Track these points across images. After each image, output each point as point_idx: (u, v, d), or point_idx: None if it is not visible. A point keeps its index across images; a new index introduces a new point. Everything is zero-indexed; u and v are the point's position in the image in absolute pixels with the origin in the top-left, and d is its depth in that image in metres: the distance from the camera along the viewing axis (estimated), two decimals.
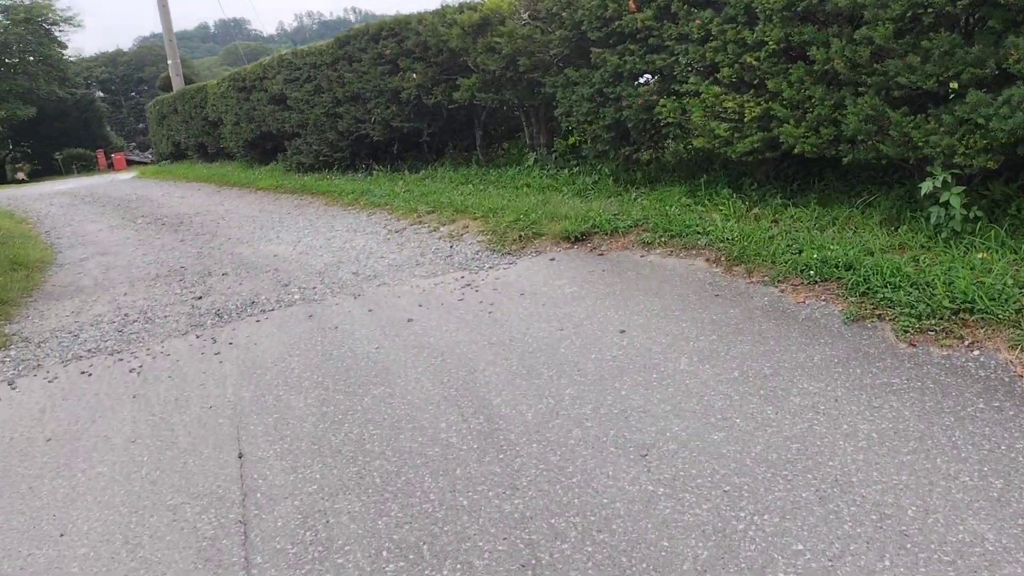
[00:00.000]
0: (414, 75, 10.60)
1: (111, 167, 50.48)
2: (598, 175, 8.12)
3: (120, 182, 22.74)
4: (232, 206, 12.87)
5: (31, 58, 52.19)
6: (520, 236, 6.52)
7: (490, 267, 6.03)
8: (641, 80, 7.06)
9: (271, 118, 14.81)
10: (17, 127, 52.37)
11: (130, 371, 4.77)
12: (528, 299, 5.15)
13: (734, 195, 6.36)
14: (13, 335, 5.95)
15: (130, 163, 48.35)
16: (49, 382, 4.76)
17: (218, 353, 4.90)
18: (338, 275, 6.49)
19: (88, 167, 52.05)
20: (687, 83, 6.36)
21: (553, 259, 5.99)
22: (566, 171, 8.61)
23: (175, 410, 4.12)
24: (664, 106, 6.57)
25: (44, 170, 55.66)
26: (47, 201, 18.16)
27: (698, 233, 5.69)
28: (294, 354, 4.71)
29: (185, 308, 6.15)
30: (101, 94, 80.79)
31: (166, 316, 5.95)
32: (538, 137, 9.92)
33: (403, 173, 11.35)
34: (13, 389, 4.72)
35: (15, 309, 6.93)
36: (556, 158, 9.23)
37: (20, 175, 55.98)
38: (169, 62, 27.28)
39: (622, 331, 4.39)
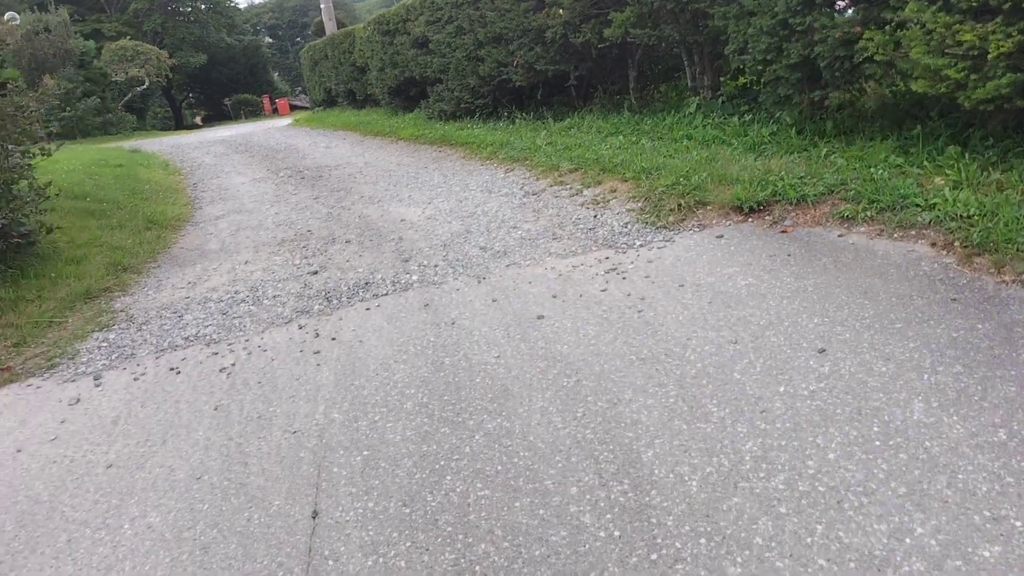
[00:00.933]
0: (560, 11, 9.47)
1: (275, 112, 52.45)
2: (776, 124, 6.77)
3: (276, 130, 23.04)
4: (371, 158, 12.34)
5: (202, 6, 54.59)
6: (679, 205, 5.39)
7: (641, 245, 4.97)
8: (839, 5, 5.65)
9: (414, 63, 14.13)
10: (191, 74, 55.25)
11: (220, 370, 4.14)
12: (689, 293, 4.08)
13: (964, 153, 4.93)
14: (120, 312, 5.53)
15: (293, 108, 49.96)
16: (135, 379, 4.21)
17: (317, 352, 4.17)
18: (464, 249, 5.63)
19: (255, 112, 54.33)
20: (903, 9, 4.92)
21: (721, 236, 4.85)
22: (735, 119, 7.29)
23: (255, 432, 3.41)
24: (871, 40, 5.17)
25: (215, 116, 58.75)
26: (204, 150, 18.51)
27: (917, 206, 4.36)
28: (400, 359, 3.90)
29: (297, 286, 5.51)
30: (269, 39, 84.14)
31: (275, 296, 5.33)
32: (701, 78, 8.59)
33: (547, 121, 10.34)
34: (97, 386, 4.21)
35: (135, 278, 6.58)
36: (723, 103, 7.90)
37: (198, 119, 59.38)
38: (322, 5, 27.26)
39: (821, 350, 3.26)
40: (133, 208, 9.52)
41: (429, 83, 13.97)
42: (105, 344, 4.85)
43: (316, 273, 5.76)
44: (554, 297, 4.36)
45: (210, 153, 17.58)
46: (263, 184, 11.49)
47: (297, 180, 11.32)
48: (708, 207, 5.29)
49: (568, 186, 6.83)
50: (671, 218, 5.28)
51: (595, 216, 5.73)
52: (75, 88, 32.26)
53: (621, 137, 7.99)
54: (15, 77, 23.28)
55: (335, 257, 6.19)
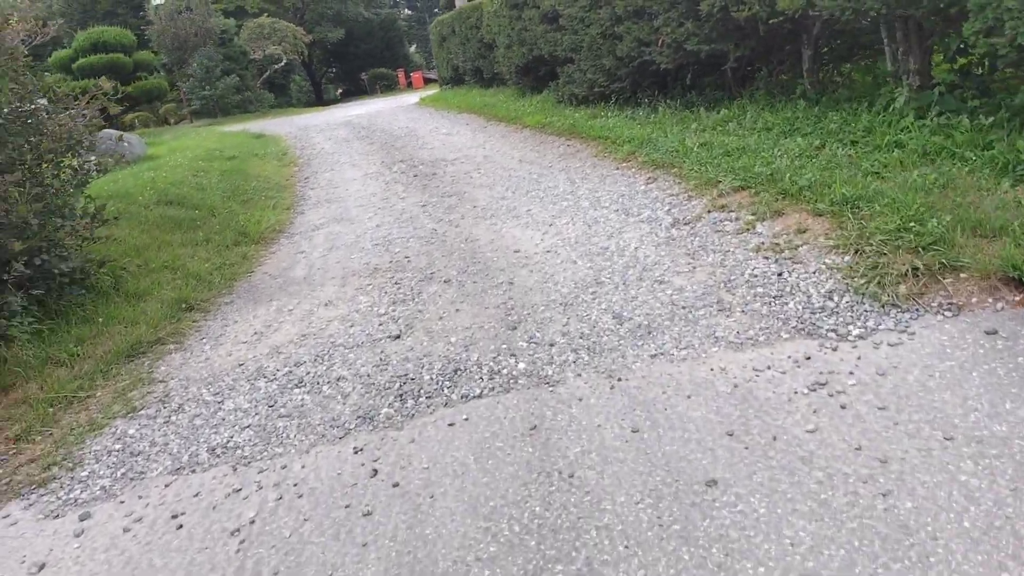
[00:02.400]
0: None
1: (410, 86, 52.28)
2: None
3: (401, 110, 22.13)
4: (492, 150, 10.97)
5: None
6: (914, 269, 3.64)
7: (860, 336, 3.31)
8: None
9: (543, 40, 12.59)
10: (329, 49, 55.86)
11: (232, 533, 2.86)
12: (969, 460, 2.43)
13: None
14: (159, 384, 4.40)
15: (427, 81, 49.55)
16: (124, 531, 3.01)
17: (368, 514, 2.80)
18: (591, 315, 4.12)
19: (390, 86, 54.41)
20: None
21: (994, 333, 3.11)
22: (964, 118, 5.36)
23: None
24: None
25: (352, 90, 59.34)
26: (328, 134, 17.76)
27: None
28: (488, 541, 2.48)
29: (371, 358, 4.19)
30: (408, 11, 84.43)
31: (339, 379, 4.01)
32: (905, 60, 6.61)
33: (697, 111, 8.59)
34: (77, 536, 3.03)
35: (198, 321, 5.49)
36: (941, 95, 5.93)
37: (339, 92, 60.22)
38: None
39: None
40: (227, 216, 8.56)
41: (559, 63, 12.41)
42: (119, 446, 3.70)
43: (399, 338, 4.42)
44: (729, 436, 2.80)
45: (332, 138, 16.77)
46: (374, 182, 10.36)
47: (409, 178, 10.10)
48: (961, 272, 3.53)
49: (733, 214, 5.14)
50: (902, 288, 3.54)
51: (780, 274, 4.06)
52: (215, 67, 32.66)
53: (799, 139, 6.18)
54: (151, 60, 23.49)
55: (427, 309, 4.83)
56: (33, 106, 5.61)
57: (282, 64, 39.42)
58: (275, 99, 42.86)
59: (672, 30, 8.28)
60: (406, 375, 3.83)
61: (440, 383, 3.70)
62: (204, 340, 5.10)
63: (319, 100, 53.80)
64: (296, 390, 3.94)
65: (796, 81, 8.19)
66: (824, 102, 7.31)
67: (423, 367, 3.89)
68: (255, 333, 5.08)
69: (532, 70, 14.61)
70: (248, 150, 14.22)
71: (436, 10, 79.81)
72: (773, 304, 3.73)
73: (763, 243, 4.45)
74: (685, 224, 5.22)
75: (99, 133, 14.41)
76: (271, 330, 5.09)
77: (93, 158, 6.32)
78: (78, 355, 4.77)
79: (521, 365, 3.68)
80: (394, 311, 4.94)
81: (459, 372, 3.74)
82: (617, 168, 7.64)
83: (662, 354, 3.50)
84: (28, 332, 4.71)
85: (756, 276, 4.06)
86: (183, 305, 5.73)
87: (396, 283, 5.61)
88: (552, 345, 3.84)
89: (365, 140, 15.48)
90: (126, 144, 13.62)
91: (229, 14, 42.71)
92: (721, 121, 7.83)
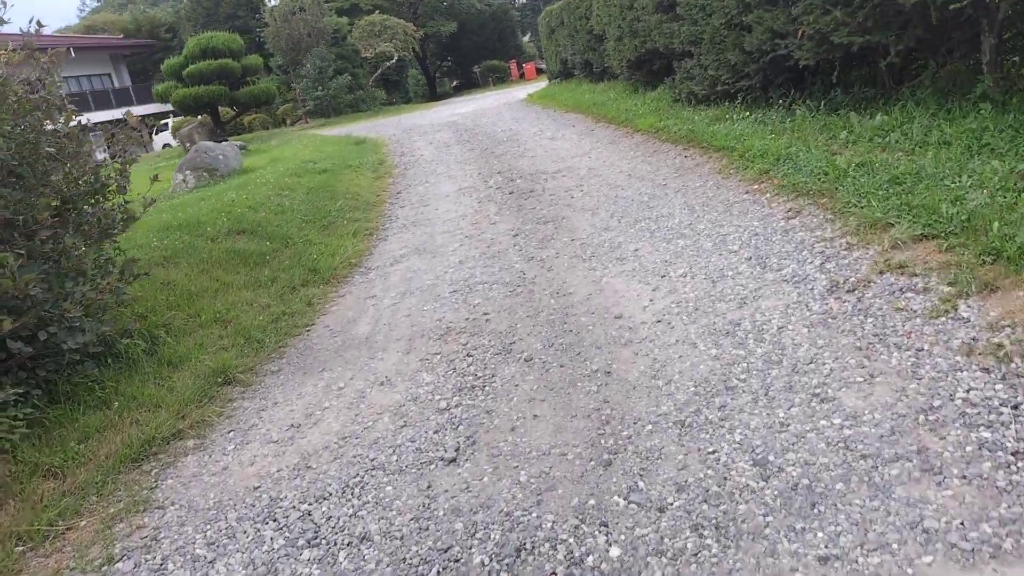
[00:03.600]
0: None
1: (522, 77, 51.41)
2: None
3: (507, 108, 21.08)
4: (598, 160, 9.71)
5: None
6: None
7: None
8: None
9: (657, 31, 11.19)
10: (443, 43, 55.61)
11: None
12: None
13: None
14: (156, 512, 3.45)
15: (539, 72, 48.49)
16: None
17: None
18: (720, 455, 2.85)
19: (502, 78, 53.71)
20: None
21: None
22: None
23: None
24: None
25: (465, 83, 59.01)
26: (430, 137, 16.93)
27: None
28: None
29: (412, 504, 3.08)
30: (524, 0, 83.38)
31: (363, 540, 2.92)
32: None
33: (845, 115, 7.05)
34: None
35: (232, 401, 4.57)
36: None
37: (453, 85, 60.03)
38: None
39: None
40: (301, 247, 7.71)
41: (676, 56, 10.98)
42: None
43: (454, 461, 3.30)
44: None
45: (433, 143, 15.91)
46: (467, 198, 9.32)
47: (505, 195, 9.00)
48: None
49: (918, 280, 3.70)
50: None
51: (1017, 406, 2.67)
52: (327, 67, 32.67)
53: (995, 162, 4.63)
54: (259, 64, 23.41)
55: (497, 407, 3.70)
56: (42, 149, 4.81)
57: (394, 61, 39.24)
58: (388, 96, 42.89)
59: (815, 19, 6.78)
60: (450, 551, 2.69)
61: (499, 562, 2.55)
62: (231, 434, 4.15)
63: (433, 94, 53.70)
64: (305, 553, 2.88)
65: (975, 77, 6.53)
66: (1017, 105, 5.68)
67: (475, 534, 2.74)
68: (291, 427, 4.09)
69: (645, 64, 13.21)
70: (343, 160, 13.50)
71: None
72: (1014, 467, 2.37)
73: (975, 340, 3.04)
74: (848, 291, 3.84)
75: (196, 145, 14.08)
76: (310, 422, 4.09)
77: (121, 200, 5.48)
78: (77, 458, 3.90)
79: (614, 552, 2.47)
80: (457, 407, 3.82)
81: (523, 553, 2.57)
82: (747, 192, 6.25)
83: (838, 558, 2.21)
84: (20, 430, 3.88)
85: (975, 405, 2.68)
86: (221, 378, 4.82)
87: (468, 355, 4.51)
88: (662, 511, 2.61)
89: (466, 145, 14.50)
90: (220, 157, 13.16)
91: (343, 12, 42.98)
92: (878, 130, 6.29)
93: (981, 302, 3.25)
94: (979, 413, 2.64)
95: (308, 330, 5.69)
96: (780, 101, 8.41)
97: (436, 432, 3.61)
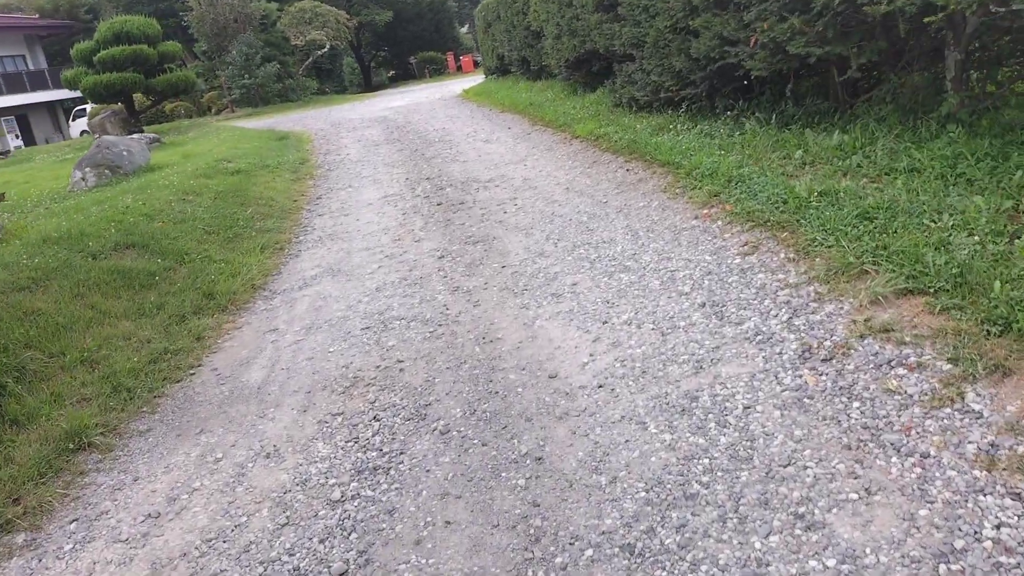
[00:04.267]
0: None
1: (459, 69, 50.55)
2: None
3: (442, 104, 20.24)
4: (534, 169, 9.03)
5: None
6: None
7: None
8: None
9: (597, 31, 10.55)
10: (378, 33, 54.24)
11: None
12: None
13: None
14: None
15: (476, 65, 47.69)
16: None
17: None
18: None
19: (439, 70, 52.77)
20: None
21: None
22: None
23: None
24: None
25: (401, 74, 57.74)
26: (359, 134, 16.01)
27: None
28: None
29: None
30: None
31: None
32: None
33: (799, 131, 6.53)
34: None
35: (76, 479, 3.73)
36: None
37: (389, 75, 58.61)
38: None
39: None
40: (199, 265, 6.82)
41: (617, 59, 10.37)
42: None
43: None
44: None
45: (361, 140, 15.02)
46: (392, 208, 8.54)
47: (432, 206, 8.25)
48: None
49: (909, 351, 3.06)
50: None
51: None
52: (255, 54, 31.25)
53: (977, 198, 4.10)
54: (177, 51, 22.05)
55: (402, 505, 2.98)
56: None
57: (325, 50, 37.92)
58: (321, 85, 41.46)
59: (770, 26, 6.21)
60: None
61: None
62: (72, 526, 3.33)
63: (367, 85, 52.34)
64: None
65: (939, 94, 6.05)
66: (989, 128, 5.20)
67: None
68: (148, 517, 3.30)
69: (584, 65, 12.59)
70: (261, 159, 12.52)
71: None
72: None
73: (994, 447, 2.42)
74: (824, 360, 3.22)
75: (98, 140, 12.90)
76: (172, 511, 3.30)
77: None
78: None
79: None
80: (354, 500, 3.09)
81: None
82: (696, 218, 5.64)
83: None
84: None
85: (1012, 552, 2.07)
86: (74, 442, 3.97)
87: (375, 418, 3.77)
88: None
89: (395, 144, 13.67)
90: (124, 154, 12.03)
91: None
92: (838, 151, 5.75)
93: (993, 389, 2.66)
94: (1012, 560, 2.03)
95: (192, 374, 4.86)
96: (727, 112, 7.85)
97: (323, 541, 2.87)
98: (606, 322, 4.24)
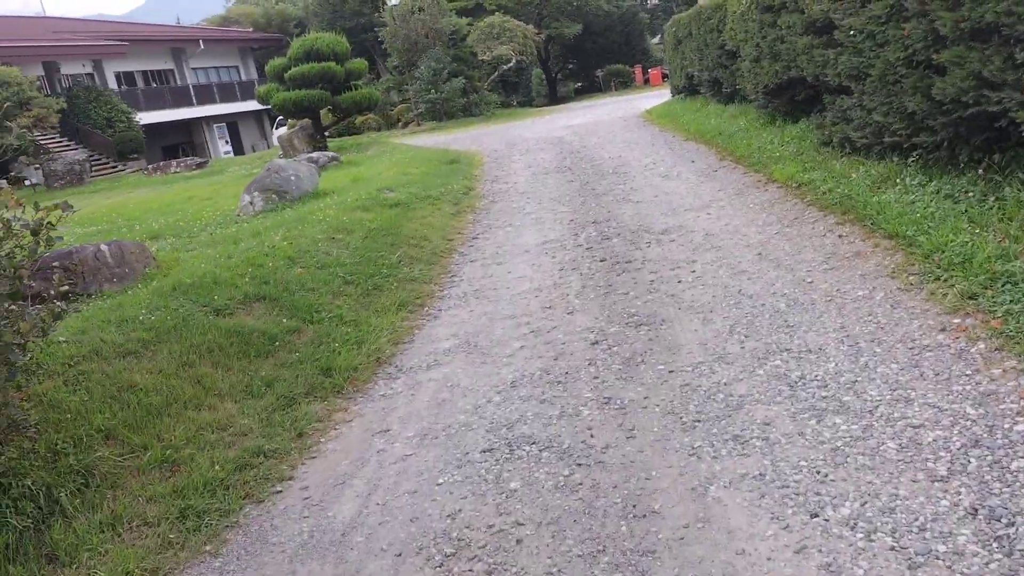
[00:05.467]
0: None
1: (647, 83, 49.09)
2: None
3: (620, 126, 19.03)
4: (719, 222, 7.65)
5: None
6: None
7: None
8: None
9: (805, 56, 8.97)
10: (566, 45, 53.84)
11: None
12: None
13: None
14: None
15: (665, 77, 45.97)
16: None
17: None
18: None
19: (625, 84, 51.54)
20: None
21: None
22: None
23: None
24: None
25: (587, 86, 57.00)
26: (530, 159, 15.17)
27: None
28: None
29: None
30: (656, 1, 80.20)
31: None
32: None
33: None
34: None
35: None
36: None
37: (575, 87, 58.19)
38: None
39: None
40: (327, 327, 6.08)
41: (829, 90, 8.75)
42: None
43: None
44: None
45: (532, 166, 14.15)
46: (547, 261, 7.49)
47: (594, 262, 7.12)
48: None
49: None
50: None
51: None
52: (442, 69, 31.45)
53: None
54: (363, 69, 22.29)
55: None
56: None
57: (511, 64, 37.74)
58: (506, 96, 41.43)
59: None
60: None
61: None
62: None
63: (553, 97, 52.00)
64: None
65: None
66: None
67: None
68: None
69: (786, 92, 10.94)
70: (425, 187, 11.89)
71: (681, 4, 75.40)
72: None
73: None
74: None
75: (268, 164, 12.81)
76: None
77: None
78: None
79: None
80: None
81: None
82: (943, 330, 4.11)
83: None
84: None
85: None
86: None
87: None
88: None
89: (566, 173, 12.65)
90: (292, 179, 11.80)
91: (467, 12, 41.77)
92: None
93: None
94: None
95: (278, 491, 4.00)
96: (976, 167, 6.13)
97: None
98: (815, 515, 2.91)
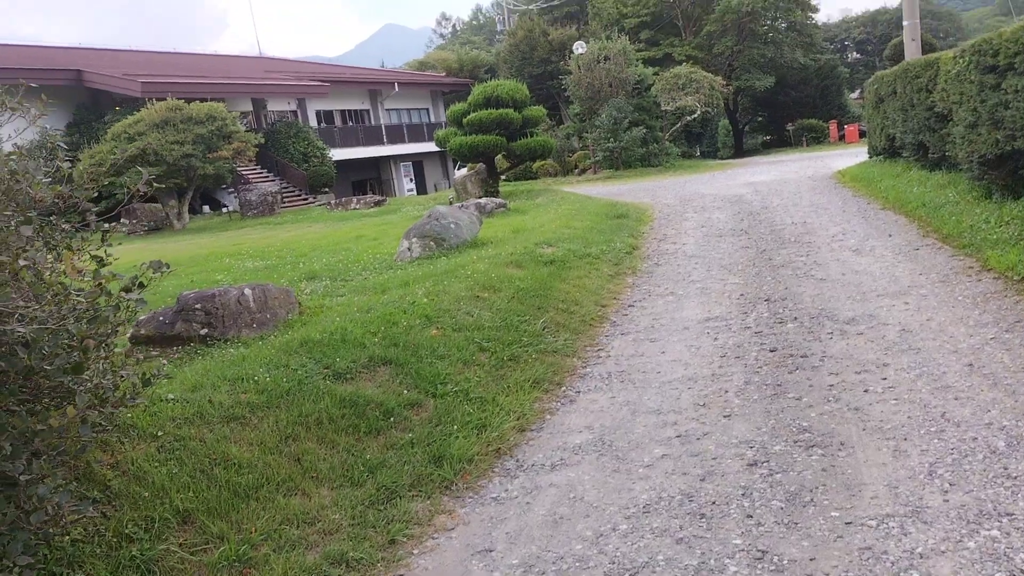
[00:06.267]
0: None
1: (842, 139, 46.42)
2: None
3: (809, 186, 17.57)
4: (918, 316, 6.44)
5: (782, 25, 50.78)
6: None
7: None
8: None
9: None
10: (756, 97, 51.98)
11: None
12: None
13: None
14: None
15: (863, 135, 43.22)
16: None
17: None
18: None
19: (818, 139, 49.01)
20: None
21: None
22: None
23: None
24: None
25: (775, 140, 54.63)
26: (703, 218, 14.20)
27: None
28: None
29: None
30: (857, 55, 76.16)
31: None
32: None
33: None
34: None
35: None
36: None
37: (763, 140, 56.07)
38: (904, 23, 20.68)
39: None
40: (449, 403, 5.53)
41: None
42: None
43: None
44: None
45: (705, 226, 13.20)
46: (707, 344, 6.62)
47: (763, 352, 6.16)
48: None
49: None
50: None
51: None
52: (623, 118, 30.99)
53: None
54: (540, 116, 22.14)
55: None
56: None
57: (696, 115, 36.66)
58: (688, 148, 40.34)
59: None
60: None
61: None
62: None
63: (739, 149, 50.23)
64: None
65: None
66: None
67: None
68: None
69: (1007, 163, 9.41)
70: (586, 243, 11.25)
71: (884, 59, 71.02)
72: None
73: None
74: None
75: (430, 210, 12.68)
76: None
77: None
78: None
79: None
80: None
81: None
82: None
83: None
84: None
85: None
86: None
87: None
88: None
89: (741, 237, 11.62)
90: (452, 227, 11.56)
91: (654, 63, 41.26)
92: None
93: None
94: None
95: None
96: None
97: None
98: None
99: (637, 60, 34.78)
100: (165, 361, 4.31)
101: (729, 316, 7.43)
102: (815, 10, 53.12)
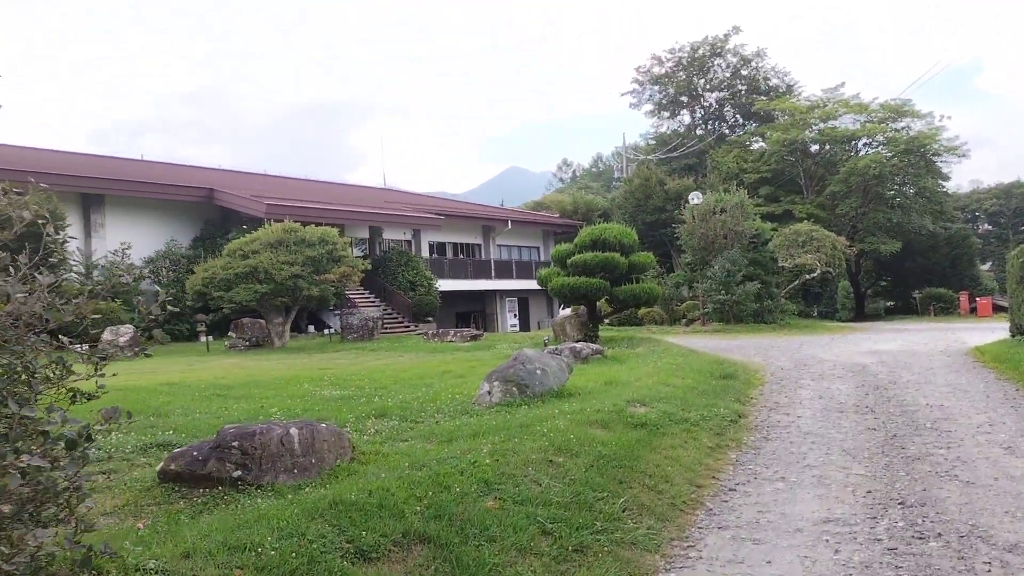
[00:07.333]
0: None
1: (973, 312, 43.58)
2: None
3: (943, 361, 15.80)
4: None
5: (910, 191, 49.25)
6: None
7: None
8: None
9: None
10: (880, 261, 49.90)
11: None
12: None
13: None
14: None
15: (996, 309, 40.41)
16: None
17: None
18: None
19: (946, 310, 46.16)
20: None
21: None
22: None
23: None
24: None
25: (899, 307, 51.88)
26: (821, 388, 12.74)
27: None
28: None
29: None
30: (989, 227, 73.06)
31: None
32: None
33: None
34: None
35: None
36: None
37: (886, 306, 53.37)
38: None
39: None
40: None
41: None
42: None
43: None
44: None
45: (823, 398, 11.76)
46: (826, 556, 5.34)
47: None
48: None
49: None
50: None
51: None
52: (736, 271, 29.87)
53: None
54: (648, 262, 21.33)
55: None
56: None
57: (816, 274, 35.11)
58: (806, 306, 38.53)
59: None
60: None
61: None
62: None
63: (859, 313, 47.73)
64: None
65: None
66: None
67: None
68: None
69: None
70: (686, 405, 10.05)
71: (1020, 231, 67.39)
72: None
73: None
74: None
75: (516, 354, 11.83)
76: None
77: None
78: None
79: None
80: None
81: None
82: None
83: None
84: None
85: None
86: None
87: None
88: None
89: (866, 417, 10.15)
90: (537, 373, 10.64)
91: (773, 218, 40.41)
92: None
93: None
94: None
95: None
96: None
97: None
98: None
99: (755, 215, 33.93)
100: (184, 505, 3.45)
101: (854, 520, 6.07)
102: (946, 178, 51.47)
